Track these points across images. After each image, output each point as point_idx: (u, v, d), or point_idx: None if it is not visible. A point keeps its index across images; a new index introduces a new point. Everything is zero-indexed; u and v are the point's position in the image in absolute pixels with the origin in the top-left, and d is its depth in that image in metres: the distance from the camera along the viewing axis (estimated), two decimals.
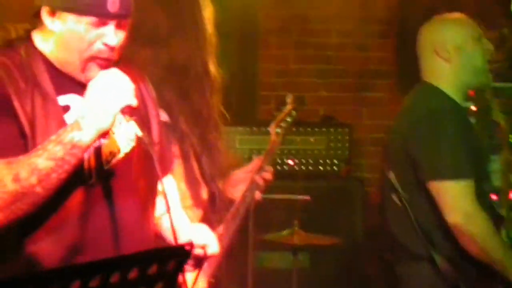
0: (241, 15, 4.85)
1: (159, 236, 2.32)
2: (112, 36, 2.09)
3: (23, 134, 2.02)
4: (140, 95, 2.24)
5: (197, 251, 2.20)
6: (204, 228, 2.33)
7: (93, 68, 2.11)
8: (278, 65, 5.26)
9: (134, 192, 2.19)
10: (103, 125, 2.03)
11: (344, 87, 5.30)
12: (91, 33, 2.08)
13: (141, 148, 2.15)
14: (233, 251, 2.84)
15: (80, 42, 2.08)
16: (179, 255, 1.66)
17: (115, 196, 2.13)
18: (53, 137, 1.98)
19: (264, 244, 4.02)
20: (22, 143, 2.01)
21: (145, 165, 2.18)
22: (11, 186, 1.93)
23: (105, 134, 2.06)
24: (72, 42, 2.09)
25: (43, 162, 1.95)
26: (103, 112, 2.02)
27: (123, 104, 2.05)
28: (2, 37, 5.05)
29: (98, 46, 2.09)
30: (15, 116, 2.02)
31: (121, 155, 2.12)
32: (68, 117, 2.10)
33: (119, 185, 2.14)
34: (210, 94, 2.69)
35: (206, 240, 2.26)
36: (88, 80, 2.11)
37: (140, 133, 2.08)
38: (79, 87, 2.12)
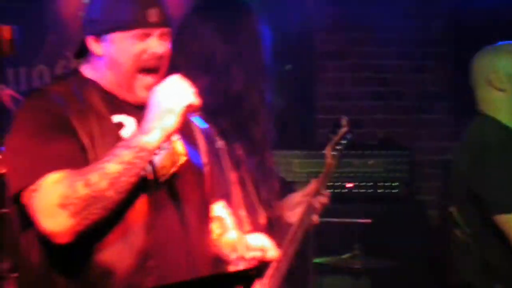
0: (297, 39, 4.87)
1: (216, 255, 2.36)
2: (157, 44, 2.19)
3: (83, 149, 2.10)
4: (187, 124, 2.32)
5: (256, 254, 2.20)
6: (262, 235, 2.37)
7: (140, 85, 2.20)
8: (336, 88, 5.25)
9: (192, 202, 2.25)
10: (169, 126, 2.08)
11: (402, 109, 5.27)
12: (136, 46, 2.18)
13: (193, 166, 2.26)
14: (293, 276, 2.82)
15: (128, 57, 2.18)
16: (245, 279, 1.67)
17: (177, 203, 2.20)
18: (121, 143, 2.06)
19: (325, 269, 4.00)
20: (83, 156, 2.09)
21: (197, 182, 2.27)
22: (82, 191, 1.99)
23: (170, 135, 2.11)
24: (120, 59, 2.18)
25: (113, 166, 2.01)
26: (167, 112, 2.08)
27: (186, 102, 2.11)
28: (64, 65, 5.18)
29: (145, 57, 2.19)
30: (75, 133, 2.10)
31: (173, 168, 2.20)
32: (123, 133, 2.18)
33: (179, 194, 2.21)
34: (266, 121, 2.70)
35: (265, 244, 2.31)
36: (138, 100, 2.20)
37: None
38: (130, 108, 2.21)
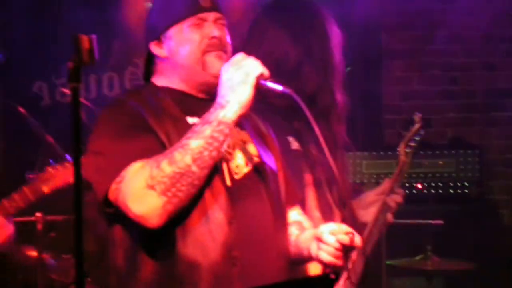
0: (364, 39, 4.83)
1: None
2: (213, 28, 2.27)
3: (162, 145, 2.16)
4: (265, 126, 2.41)
5: (343, 238, 2.16)
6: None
7: (211, 60, 2.27)
8: (403, 88, 5.20)
9: (267, 201, 2.28)
10: (243, 98, 2.14)
11: (471, 108, 5.18)
12: (195, 34, 2.25)
13: (265, 167, 2.30)
14: (367, 277, 2.80)
15: (190, 45, 2.25)
16: (326, 283, 1.67)
17: (253, 199, 2.24)
18: (200, 121, 2.14)
19: (397, 270, 3.96)
20: (163, 151, 2.13)
21: (271, 182, 2.30)
22: (168, 169, 2.05)
23: (247, 107, 2.15)
24: (183, 52, 2.26)
25: (195, 142, 2.07)
26: (240, 85, 2.13)
27: (256, 73, 2.15)
28: (132, 72, 5.23)
29: (206, 42, 2.26)
30: (153, 131, 2.18)
31: (246, 169, 2.25)
32: None
33: (254, 192, 2.25)
34: (338, 121, 2.69)
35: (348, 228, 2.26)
36: (214, 75, 2.24)
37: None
38: (203, 109, 2.23)
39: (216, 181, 2.17)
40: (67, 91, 4.64)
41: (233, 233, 2.16)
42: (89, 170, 2.12)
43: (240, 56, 2.20)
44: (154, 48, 2.31)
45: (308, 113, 2.19)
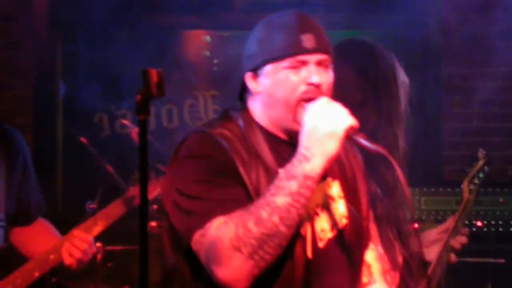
0: (423, 74, 4.81)
1: None
2: (314, 73, 2.06)
3: (249, 197, 2.02)
4: (349, 165, 2.25)
5: None
6: None
7: (303, 113, 2.08)
8: (462, 124, 5.14)
9: (347, 267, 2.16)
10: (330, 151, 1.98)
11: None
12: (292, 77, 2.06)
13: (352, 229, 2.16)
14: None
15: (284, 91, 2.07)
16: None
17: (332, 269, 2.10)
18: (281, 175, 1.97)
19: None
20: (250, 204, 1.99)
21: (355, 239, 2.17)
22: (255, 230, 1.90)
23: (333, 160, 2.01)
24: (277, 94, 2.08)
25: (281, 199, 1.92)
26: (327, 137, 1.98)
27: (345, 125, 2.00)
28: (191, 104, 5.25)
29: (302, 88, 2.07)
30: (242, 182, 2.03)
31: (331, 233, 2.12)
32: None
33: (334, 260, 2.12)
34: (398, 163, 2.65)
35: None
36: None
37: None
38: (289, 156, 2.10)
39: (298, 249, 2.03)
40: (126, 122, 4.72)
41: None
42: (173, 208, 2.06)
43: (325, 102, 2.03)
44: (249, 80, 2.12)
45: (390, 158, 2.06)
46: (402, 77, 2.63)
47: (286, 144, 2.14)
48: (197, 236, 1.97)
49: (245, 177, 2.03)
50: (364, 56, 2.59)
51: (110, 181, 4.05)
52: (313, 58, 2.07)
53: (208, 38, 5.20)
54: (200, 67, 5.16)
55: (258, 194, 2.01)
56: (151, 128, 4.91)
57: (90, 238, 3.08)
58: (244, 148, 2.07)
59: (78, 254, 3.04)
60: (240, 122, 2.14)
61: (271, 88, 2.09)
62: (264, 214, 1.91)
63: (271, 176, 2.04)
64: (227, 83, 5.03)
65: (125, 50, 4.92)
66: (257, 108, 2.15)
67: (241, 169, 2.03)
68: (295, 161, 1.99)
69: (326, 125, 1.99)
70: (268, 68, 2.08)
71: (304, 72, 2.07)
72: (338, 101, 2.25)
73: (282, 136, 2.15)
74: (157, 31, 5.06)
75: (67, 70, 4.91)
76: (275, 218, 1.91)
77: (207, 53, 5.19)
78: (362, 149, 2.32)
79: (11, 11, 4.80)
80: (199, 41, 5.22)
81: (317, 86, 2.07)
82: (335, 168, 2.19)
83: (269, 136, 2.13)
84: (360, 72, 2.55)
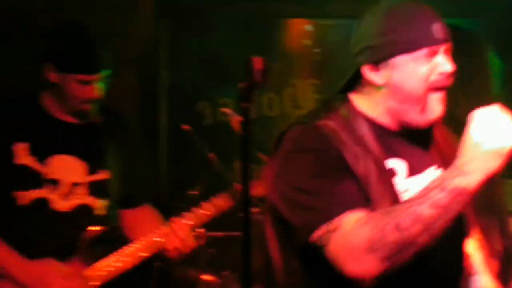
0: None
1: None
2: (446, 62, 2.05)
3: (361, 191, 1.99)
4: (450, 152, 2.17)
5: None
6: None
7: (433, 105, 2.07)
8: None
9: (452, 250, 2.14)
10: (492, 169, 1.85)
11: None
12: (424, 67, 2.04)
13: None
14: None
15: (416, 81, 2.05)
16: None
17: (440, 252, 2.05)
18: (432, 184, 1.88)
19: None
20: (363, 198, 1.98)
21: (458, 226, 2.10)
22: (393, 236, 1.85)
23: (490, 177, 1.88)
24: (407, 85, 2.06)
25: (426, 210, 1.84)
26: (493, 154, 1.84)
27: None
28: (292, 93, 5.27)
29: (433, 78, 2.06)
30: (352, 175, 2.00)
31: None
32: (396, 181, 2.06)
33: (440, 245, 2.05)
34: None
35: None
36: (430, 121, 2.09)
37: None
38: (402, 148, 2.11)
39: None
40: (227, 111, 4.77)
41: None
42: (287, 204, 2.03)
43: (495, 112, 1.89)
44: (369, 73, 2.08)
45: None
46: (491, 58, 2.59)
47: (395, 135, 2.11)
48: (321, 231, 1.94)
49: (355, 169, 2.00)
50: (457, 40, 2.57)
51: (212, 169, 4.10)
52: (443, 47, 2.06)
53: (309, 27, 5.19)
54: (300, 56, 5.16)
55: (368, 186, 1.98)
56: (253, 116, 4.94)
57: (190, 228, 3.13)
58: (350, 139, 2.04)
59: (176, 243, 3.09)
60: (344, 113, 2.11)
61: (399, 80, 2.06)
62: (407, 221, 1.84)
63: (380, 167, 2.02)
64: (327, 72, 5.02)
65: (227, 38, 4.97)
66: (365, 99, 2.13)
67: (350, 161, 2.00)
68: (449, 173, 1.89)
69: (495, 140, 1.85)
70: (397, 60, 2.06)
71: (435, 61, 2.05)
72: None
73: (392, 127, 2.12)
74: (260, 20, 5.08)
75: (171, 59, 4.99)
76: (417, 228, 1.84)
77: (308, 42, 5.18)
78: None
79: (118, 1, 4.91)
80: (300, 30, 5.21)
81: (448, 76, 2.05)
82: (438, 155, 2.17)
83: (376, 127, 2.10)
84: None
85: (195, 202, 3.35)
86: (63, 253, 3.08)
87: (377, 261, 1.86)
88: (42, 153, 3.09)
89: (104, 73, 3.16)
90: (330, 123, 2.06)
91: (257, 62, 1.88)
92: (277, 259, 2.13)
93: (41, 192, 3.08)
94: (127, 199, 3.31)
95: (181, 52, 4.99)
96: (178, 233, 3.10)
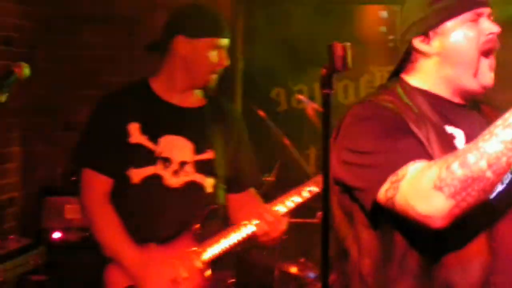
0: None
1: None
2: (490, 24, 2.13)
3: (425, 149, 2.04)
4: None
5: None
6: None
7: (484, 70, 2.14)
8: None
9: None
10: None
11: None
12: (473, 30, 2.13)
13: None
14: None
15: (466, 44, 2.13)
16: None
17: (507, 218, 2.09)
18: (498, 122, 1.89)
19: None
20: (427, 154, 2.02)
21: None
22: (459, 172, 1.87)
23: None
24: (458, 48, 2.13)
25: (492, 146, 1.86)
26: None
27: None
28: (368, 80, 5.24)
29: (483, 39, 2.13)
30: (415, 135, 2.06)
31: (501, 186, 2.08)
32: (457, 143, 2.11)
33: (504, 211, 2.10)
34: None
35: None
36: (483, 86, 2.14)
37: None
38: (458, 119, 2.14)
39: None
40: (302, 97, 4.77)
41: (493, 257, 2.04)
42: (349, 170, 2.07)
43: None
44: (419, 44, 2.16)
45: None
46: None
47: (450, 104, 2.17)
48: (387, 185, 1.97)
49: (417, 132, 2.05)
50: None
51: (286, 155, 4.11)
52: (487, 10, 2.15)
53: (384, 13, 5.15)
54: (376, 43, 5.13)
55: (432, 148, 2.04)
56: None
57: (279, 214, 3.16)
58: (409, 108, 2.11)
59: (265, 228, 3.13)
60: (399, 90, 2.18)
61: (450, 45, 2.14)
62: (471, 157, 1.87)
63: (441, 134, 2.07)
64: None
65: (302, 25, 4.97)
66: (416, 75, 2.19)
67: (412, 125, 2.06)
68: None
69: None
70: (445, 26, 2.14)
71: (481, 23, 2.13)
72: None
73: (447, 97, 2.18)
74: (335, 6, 5.06)
75: (246, 45, 5.01)
76: (483, 163, 1.86)
77: (383, 28, 5.14)
78: None
79: None
80: (375, 17, 5.18)
81: (495, 37, 2.13)
82: None
83: (431, 98, 2.16)
84: None
85: (270, 188, 3.36)
86: (176, 229, 3.19)
87: (445, 199, 1.88)
88: (153, 132, 3.21)
89: (228, 42, 3.28)
90: (387, 97, 2.15)
91: (339, 48, 1.87)
92: (348, 237, 2.16)
93: (154, 169, 3.20)
94: (232, 184, 3.38)
95: (256, 38, 5.00)
96: (268, 219, 3.14)
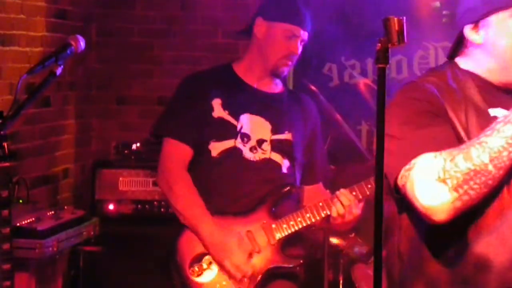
0: None
1: None
2: None
3: (458, 138, 2.08)
4: None
5: None
6: None
7: None
8: None
9: None
10: None
11: None
12: None
13: None
14: None
15: (509, 37, 2.12)
16: None
17: None
18: (500, 118, 1.98)
19: None
20: (454, 143, 2.04)
21: None
22: (462, 165, 1.94)
23: None
24: (503, 41, 2.13)
25: (494, 140, 1.94)
26: None
27: None
28: (422, 55, 5.16)
29: None
30: (450, 121, 2.09)
31: None
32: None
33: None
34: None
35: None
36: None
37: None
38: (505, 102, 2.13)
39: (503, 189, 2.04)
40: (354, 73, 4.74)
41: None
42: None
43: None
44: (469, 32, 2.18)
45: None
46: None
47: (498, 89, 2.18)
48: (402, 173, 2.02)
49: (454, 117, 2.09)
50: None
51: (338, 130, 4.10)
52: None
53: (438, 4, 5.09)
54: (430, 18, 5.06)
55: (468, 134, 2.06)
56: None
57: (354, 198, 3.19)
58: (452, 91, 2.13)
59: (341, 210, 3.17)
60: (449, 72, 2.20)
61: (495, 37, 2.14)
62: (473, 151, 1.94)
63: (482, 117, 2.09)
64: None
65: (356, 0, 4.93)
66: (468, 60, 2.21)
67: (450, 110, 2.09)
68: None
69: None
70: (493, 18, 2.14)
71: None
72: None
73: (499, 84, 2.18)
74: None
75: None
76: (485, 157, 1.93)
77: (437, 4, 5.08)
78: None
79: None
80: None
81: None
82: None
83: (481, 82, 2.17)
84: None
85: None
86: (253, 203, 3.27)
87: (447, 191, 1.94)
88: (234, 109, 3.32)
89: (307, 35, 3.35)
90: (432, 78, 2.17)
91: (395, 23, 1.86)
92: (390, 216, 2.18)
93: (234, 142, 3.30)
94: (306, 175, 3.45)
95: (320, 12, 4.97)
96: (344, 202, 3.18)
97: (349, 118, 4.22)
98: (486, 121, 2.07)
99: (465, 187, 1.94)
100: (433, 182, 1.95)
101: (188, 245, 3.24)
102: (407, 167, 2.01)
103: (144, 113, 5.12)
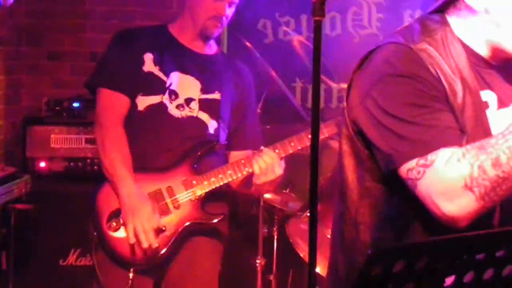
0: None
1: None
2: None
3: (456, 124, 1.93)
4: None
5: None
6: None
7: None
8: None
9: None
10: None
11: None
12: None
13: None
14: None
15: None
16: None
17: None
18: None
19: None
20: (459, 131, 1.92)
21: None
22: (492, 172, 1.80)
23: None
24: (505, 11, 1.97)
25: None
26: None
27: None
28: (355, 11, 5.14)
29: None
30: (451, 106, 1.94)
31: None
32: (488, 113, 2.00)
33: None
34: None
35: None
36: None
37: None
38: (495, 81, 2.03)
39: None
40: (289, 29, 4.72)
41: None
42: (378, 128, 1.95)
43: None
44: None
45: None
46: None
47: (489, 66, 2.04)
48: (413, 164, 1.88)
49: (452, 100, 1.94)
50: None
51: (273, 88, 4.10)
52: None
53: None
54: None
55: (463, 118, 1.94)
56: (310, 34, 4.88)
57: (276, 156, 3.19)
58: (448, 68, 1.96)
59: (264, 165, 3.16)
60: (441, 38, 2.02)
61: (497, 7, 1.97)
62: (503, 157, 1.80)
63: (476, 100, 1.96)
64: None
65: None
66: (461, 24, 2.05)
67: (448, 91, 1.94)
68: None
69: None
70: None
71: None
72: None
73: (487, 58, 2.04)
74: None
75: None
76: None
77: None
78: None
79: None
80: None
81: None
82: None
83: (472, 56, 2.02)
84: None
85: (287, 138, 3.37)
86: (176, 158, 3.27)
87: (474, 200, 1.82)
88: (164, 66, 3.31)
89: None
90: (429, 49, 1.98)
91: None
92: (352, 179, 2.09)
93: (161, 98, 3.29)
94: (233, 143, 3.45)
95: None
96: (266, 160, 3.19)
97: (284, 75, 4.22)
98: (479, 108, 1.97)
99: (492, 194, 1.82)
100: (459, 190, 1.82)
101: (107, 200, 3.23)
102: (421, 161, 1.87)
103: (76, 70, 5.03)
